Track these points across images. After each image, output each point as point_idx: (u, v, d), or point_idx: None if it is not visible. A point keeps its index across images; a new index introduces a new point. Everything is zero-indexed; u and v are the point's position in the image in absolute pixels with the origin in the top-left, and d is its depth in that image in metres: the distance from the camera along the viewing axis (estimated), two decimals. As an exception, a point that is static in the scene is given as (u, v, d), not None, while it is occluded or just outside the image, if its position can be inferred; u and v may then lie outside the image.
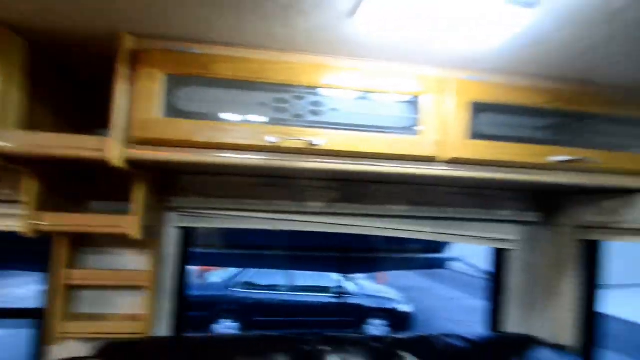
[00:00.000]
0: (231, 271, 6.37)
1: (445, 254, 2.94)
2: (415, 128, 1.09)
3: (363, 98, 1.08)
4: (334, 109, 1.07)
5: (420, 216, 1.58)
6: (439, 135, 1.08)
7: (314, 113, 1.06)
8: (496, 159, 1.11)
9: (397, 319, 6.42)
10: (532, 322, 1.71)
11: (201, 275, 6.71)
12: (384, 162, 1.09)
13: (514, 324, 1.72)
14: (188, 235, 1.53)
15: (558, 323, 1.61)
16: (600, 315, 1.59)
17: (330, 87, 1.06)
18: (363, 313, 6.38)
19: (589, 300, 1.59)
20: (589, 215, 1.47)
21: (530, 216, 1.66)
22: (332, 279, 6.57)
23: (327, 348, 1.37)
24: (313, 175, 1.38)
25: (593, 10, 0.81)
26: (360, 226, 1.56)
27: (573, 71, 1.12)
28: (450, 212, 1.60)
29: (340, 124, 1.07)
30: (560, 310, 1.62)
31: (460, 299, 9.61)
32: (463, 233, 1.66)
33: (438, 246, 2.86)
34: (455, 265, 9.46)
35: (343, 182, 1.50)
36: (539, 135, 1.14)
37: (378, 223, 1.57)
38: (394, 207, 1.55)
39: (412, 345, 1.43)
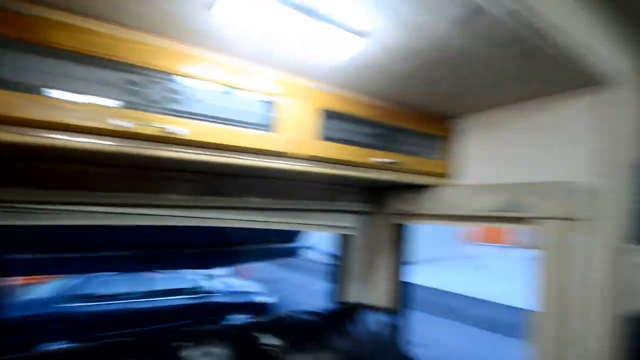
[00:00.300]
0: (67, 281, 5.13)
1: (300, 243, 3.11)
2: (273, 126, 1.13)
3: (226, 92, 1.06)
4: (197, 100, 1.01)
5: (278, 208, 1.65)
6: (293, 134, 1.15)
7: (175, 101, 0.97)
8: (338, 158, 1.25)
9: (261, 311, 6.44)
10: (364, 293, 2.00)
11: (24, 288, 5.15)
12: (244, 155, 1.09)
13: (352, 296, 1.99)
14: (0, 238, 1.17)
15: (379, 291, 1.94)
16: (408, 283, 1.99)
17: (192, 77, 1.00)
18: (227, 310, 6.16)
19: (399, 272, 1.97)
20: (399, 205, 1.83)
21: (365, 207, 1.95)
22: (191, 279, 6.10)
23: (182, 344, 1.27)
24: (173, 166, 1.27)
25: (404, 49, 1.01)
26: (222, 219, 1.51)
27: (392, 93, 1.36)
28: (304, 204, 1.73)
29: (203, 115, 1.01)
30: (380, 281, 1.95)
31: (313, 284, 10.40)
32: (314, 222, 1.82)
33: (293, 236, 3.01)
34: (309, 254, 10.17)
35: (204, 174, 1.43)
36: (367, 141, 1.34)
37: (239, 215, 1.56)
38: (254, 200, 1.57)
39: (268, 326, 1.47)
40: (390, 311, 1.81)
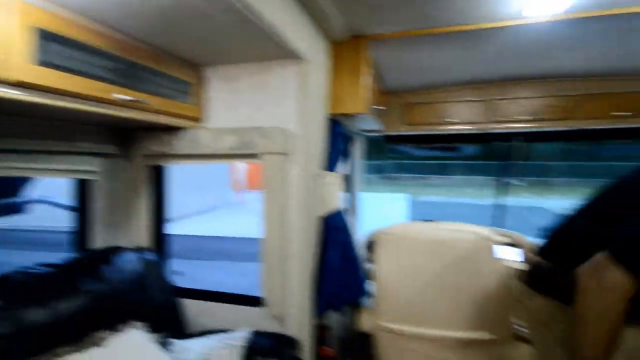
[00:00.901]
0: None
1: (25, 196, 2.44)
2: None
3: None
4: None
5: None
6: None
7: None
8: (66, 88, 1.12)
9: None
10: (118, 239, 1.95)
11: None
12: None
13: (102, 243, 1.89)
14: None
15: (137, 235, 1.97)
16: (165, 229, 2.10)
17: None
18: None
19: (157, 213, 2.05)
20: (153, 146, 1.87)
21: (110, 149, 1.83)
22: None
23: None
24: None
25: None
26: None
27: (135, 30, 1.32)
28: (27, 145, 1.43)
29: None
30: (138, 224, 1.97)
31: (43, 259, 8.33)
32: (43, 167, 1.55)
33: (12, 188, 2.33)
34: (38, 218, 7.75)
35: None
36: (107, 75, 1.26)
37: None
38: None
39: None
40: (150, 250, 1.89)
